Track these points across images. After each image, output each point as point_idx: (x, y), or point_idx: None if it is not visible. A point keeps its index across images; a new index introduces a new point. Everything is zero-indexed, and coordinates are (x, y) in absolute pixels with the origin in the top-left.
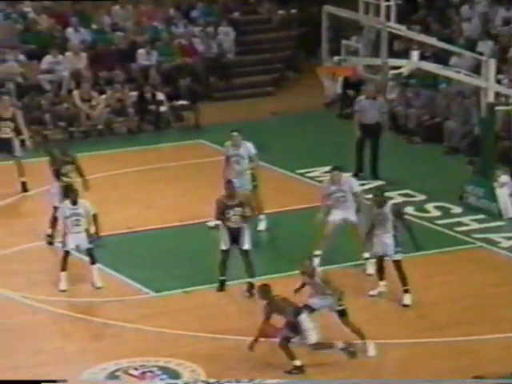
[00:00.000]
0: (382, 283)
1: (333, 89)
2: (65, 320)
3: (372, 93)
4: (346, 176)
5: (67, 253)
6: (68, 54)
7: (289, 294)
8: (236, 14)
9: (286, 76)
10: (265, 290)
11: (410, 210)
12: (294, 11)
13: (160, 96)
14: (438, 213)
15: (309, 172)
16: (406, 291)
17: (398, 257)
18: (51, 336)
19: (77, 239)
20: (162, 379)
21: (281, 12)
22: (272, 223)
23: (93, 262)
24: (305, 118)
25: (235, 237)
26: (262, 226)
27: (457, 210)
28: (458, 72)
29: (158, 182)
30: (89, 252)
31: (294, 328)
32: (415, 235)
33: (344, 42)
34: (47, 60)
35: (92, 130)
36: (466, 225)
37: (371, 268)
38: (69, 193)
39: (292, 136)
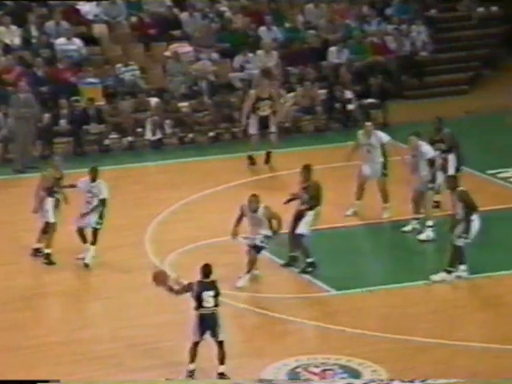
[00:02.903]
0: None
1: None
2: (247, 315)
3: None
4: None
5: None
6: (259, 52)
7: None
8: (433, 12)
9: (482, 74)
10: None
11: None
12: (494, 8)
13: (348, 94)
14: None
15: (501, 173)
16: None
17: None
18: (233, 330)
19: None
20: (342, 378)
21: (481, 9)
22: None
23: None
24: (500, 117)
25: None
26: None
27: None
28: None
29: (345, 180)
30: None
31: None
32: None
33: None
34: (239, 58)
35: (280, 127)
36: None
37: None
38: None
39: (485, 136)
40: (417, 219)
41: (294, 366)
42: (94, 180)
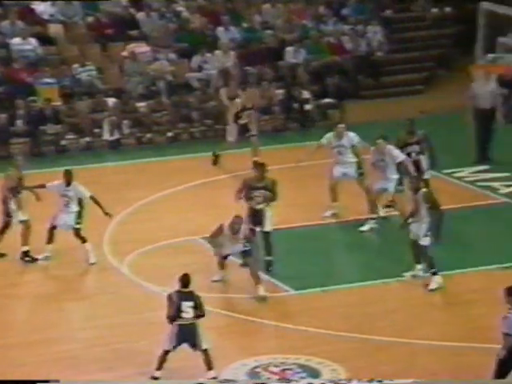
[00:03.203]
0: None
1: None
2: (206, 315)
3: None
4: None
5: None
6: (217, 52)
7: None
8: (388, 12)
9: (437, 74)
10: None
11: None
12: (448, 9)
13: (305, 94)
14: None
15: (456, 172)
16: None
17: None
18: None
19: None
20: (302, 377)
21: (435, 10)
22: None
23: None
24: (455, 116)
25: (258, 219)
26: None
27: None
28: None
29: (303, 179)
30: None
31: None
32: None
33: (500, 39)
34: (196, 59)
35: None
36: None
37: None
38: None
39: (440, 136)
40: (374, 219)
41: (254, 366)
42: (69, 184)
